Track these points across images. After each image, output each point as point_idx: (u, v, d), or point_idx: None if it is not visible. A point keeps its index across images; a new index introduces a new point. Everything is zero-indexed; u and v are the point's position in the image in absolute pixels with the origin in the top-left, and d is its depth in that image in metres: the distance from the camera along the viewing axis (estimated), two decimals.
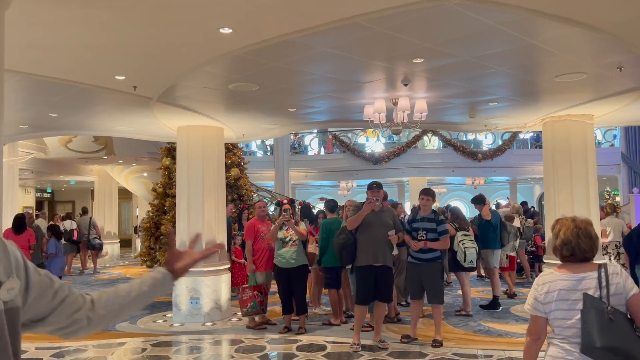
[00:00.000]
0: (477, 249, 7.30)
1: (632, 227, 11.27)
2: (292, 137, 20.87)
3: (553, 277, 2.39)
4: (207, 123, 7.40)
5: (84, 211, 14.56)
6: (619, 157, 17.86)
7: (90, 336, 6.68)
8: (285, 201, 6.67)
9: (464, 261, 7.16)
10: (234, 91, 5.61)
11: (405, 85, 5.29)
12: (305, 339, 6.21)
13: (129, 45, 4.19)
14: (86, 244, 13.62)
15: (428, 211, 5.96)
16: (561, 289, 2.33)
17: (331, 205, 7.25)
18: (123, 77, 5.00)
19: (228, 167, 10.84)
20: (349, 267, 6.22)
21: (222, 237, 7.61)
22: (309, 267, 7.24)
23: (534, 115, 7.36)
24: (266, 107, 6.47)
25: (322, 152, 21.21)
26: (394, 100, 5.97)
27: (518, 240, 8.41)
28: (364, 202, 5.73)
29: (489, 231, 7.87)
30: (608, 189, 18.80)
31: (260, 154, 21.02)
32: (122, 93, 5.56)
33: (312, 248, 7.05)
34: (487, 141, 20.42)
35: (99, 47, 4.21)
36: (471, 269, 7.55)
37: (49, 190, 22.30)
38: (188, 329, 6.92)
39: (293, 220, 6.54)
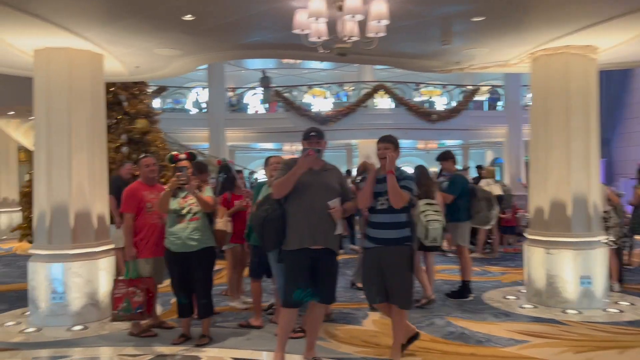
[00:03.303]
0: (444, 223, 5.54)
1: None
2: (229, 93, 18.73)
3: None
4: (77, 45, 5.18)
5: None
6: None
7: None
8: (182, 155, 4.61)
9: (426, 238, 5.40)
10: None
11: None
12: (207, 354, 4.29)
13: None
14: None
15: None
16: None
17: None
18: None
19: (133, 118, 8.64)
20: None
21: (101, 206, 5.49)
22: (222, 249, 5.32)
23: (522, 47, 5.57)
24: (149, 11, 4.32)
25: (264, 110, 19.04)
26: (338, 4, 3.98)
27: (494, 211, 6.59)
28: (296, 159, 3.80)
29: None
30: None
31: (195, 111, 18.82)
32: None
33: (222, 224, 5.06)
34: (441, 101, 18.98)
35: None
36: (434, 249, 5.78)
37: None
38: (45, 337, 4.85)
39: (194, 184, 4.52)
